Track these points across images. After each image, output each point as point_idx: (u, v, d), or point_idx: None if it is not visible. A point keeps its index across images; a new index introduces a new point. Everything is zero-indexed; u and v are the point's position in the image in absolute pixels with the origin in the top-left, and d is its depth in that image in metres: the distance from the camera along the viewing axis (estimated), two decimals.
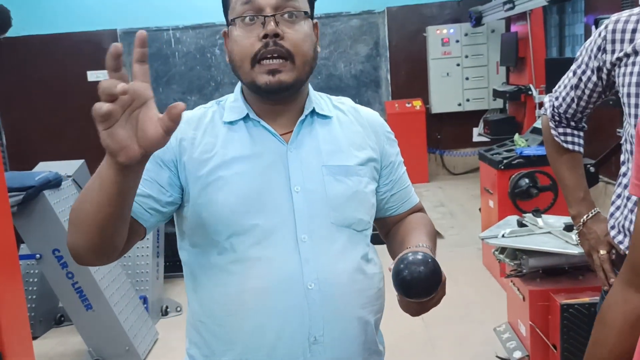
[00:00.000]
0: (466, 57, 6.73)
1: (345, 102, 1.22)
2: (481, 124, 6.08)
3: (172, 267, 4.17)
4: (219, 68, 7.05)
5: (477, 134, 6.44)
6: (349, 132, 1.16)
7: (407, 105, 6.77)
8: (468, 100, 6.81)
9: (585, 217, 1.51)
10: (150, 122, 0.79)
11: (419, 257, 0.96)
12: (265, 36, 1.02)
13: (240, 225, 1.05)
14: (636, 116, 1.29)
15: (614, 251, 1.42)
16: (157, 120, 0.80)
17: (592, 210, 1.51)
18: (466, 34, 6.67)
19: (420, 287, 0.95)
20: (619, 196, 1.39)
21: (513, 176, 3.44)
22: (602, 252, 1.43)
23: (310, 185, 1.08)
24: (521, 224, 2.62)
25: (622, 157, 1.40)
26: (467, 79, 6.76)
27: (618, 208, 1.38)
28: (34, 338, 3.50)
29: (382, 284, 1.16)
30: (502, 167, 3.69)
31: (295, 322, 1.05)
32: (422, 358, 2.97)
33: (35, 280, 3.51)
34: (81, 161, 3.68)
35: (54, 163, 3.57)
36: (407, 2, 6.90)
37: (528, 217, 2.69)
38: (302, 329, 1.05)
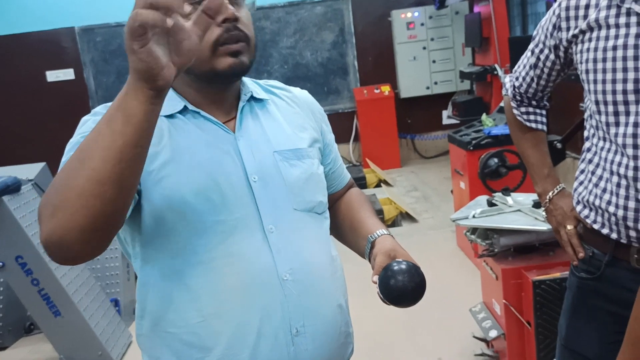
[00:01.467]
0: (432, 40, 6.73)
1: (275, 84, 1.19)
2: (450, 107, 6.10)
3: None
4: None
5: (447, 116, 6.46)
6: (289, 114, 1.13)
7: (375, 91, 6.75)
8: (436, 83, 6.82)
9: (550, 193, 1.50)
10: (181, 31, 0.74)
11: (404, 267, 0.99)
12: (225, 20, 0.98)
13: (202, 222, 0.99)
14: (595, 92, 1.27)
15: (581, 225, 1.41)
16: (190, 26, 0.74)
17: (558, 187, 1.50)
18: (431, 17, 6.67)
19: (410, 297, 0.98)
20: (582, 172, 1.38)
21: (482, 156, 3.45)
22: (569, 227, 1.42)
23: (267, 173, 1.04)
24: (491, 204, 2.62)
25: (585, 133, 1.39)
26: (434, 62, 6.77)
27: (581, 183, 1.37)
28: (4, 348, 3.41)
29: (342, 265, 1.15)
30: (471, 148, 3.70)
31: (276, 317, 1.01)
32: (403, 342, 2.97)
33: (1, 289, 3.41)
34: (42, 164, 3.56)
35: (13, 167, 3.46)
36: None
37: (498, 197, 2.69)
38: (284, 323, 1.02)
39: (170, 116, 1.04)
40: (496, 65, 5.02)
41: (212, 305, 1.00)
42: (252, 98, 1.10)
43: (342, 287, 1.13)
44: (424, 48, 6.75)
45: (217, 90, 1.05)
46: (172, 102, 1.04)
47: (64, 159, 0.94)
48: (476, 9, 5.50)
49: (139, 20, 0.70)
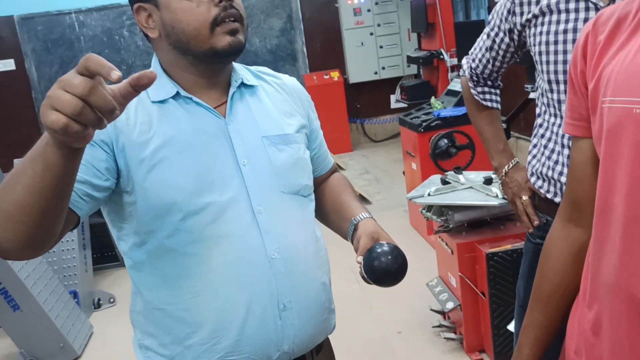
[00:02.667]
0: (378, 25, 6.84)
1: (265, 70, 1.23)
2: (398, 91, 6.24)
3: (101, 258, 4.04)
4: (129, 50, 6.78)
5: (395, 100, 6.60)
6: (277, 100, 1.18)
7: (325, 77, 6.82)
8: (384, 68, 6.94)
9: (506, 167, 1.61)
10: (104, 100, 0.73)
11: (387, 249, 1.06)
12: (221, 0, 1.02)
13: (194, 204, 1.03)
14: (548, 72, 1.38)
15: (535, 196, 1.53)
16: (115, 94, 0.73)
17: (512, 161, 1.62)
18: (377, 3, 6.77)
19: (393, 277, 1.05)
20: (535, 145, 1.49)
21: (433, 138, 3.58)
22: (525, 197, 1.54)
23: (255, 157, 1.09)
24: (444, 182, 2.74)
25: (537, 110, 1.50)
26: (381, 47, 6.88)
27: (534, 156, 1.48)
28: None
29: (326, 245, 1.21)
30: (422, 130, 3.82)
31: (264, 293, 1.06)
32: (361, 318, 3.07)
33: None
34: None
35: None
36: None
37: (450, 175, 2.82)
38: (272, 299, 1.07)
39: (162, 101, 1.07)
40: (442, 50, 5.18)
41: (203, 282, 1.05)
42: (243, 84, 1.14)
43: (326, 266, 1.19)
44: (371, 34, 6.85)
45: (214, 72, 1.09)
46: (165, 87, 1.08)
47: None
48: None
49: (60, 125, 0.68)
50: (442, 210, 2.63)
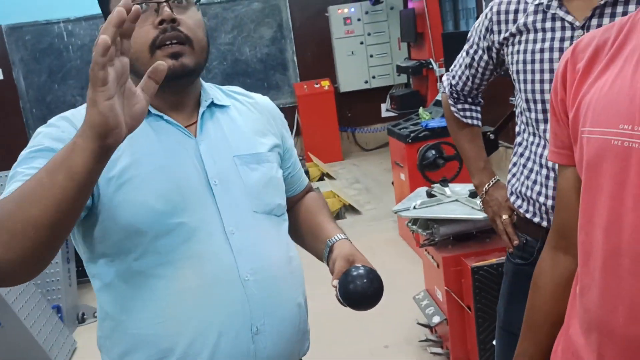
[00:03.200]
0: (369, 35, 6.85)
1: (237, 90, 1.22)
2: (388, 100, 6.24)
3: (85, 272, 3.99)
4: None
5: (385, 109, 6.61)
6: (249, 120, 1.16)
7: (315, 85, 6.81)
8: (374, 77, 6.95)
9: (486, 185, 1.60)
10: (134, 96, 0.78)
11: (363, 272, 1.04)
12: (162, 22, 1.00)
13: (164, 225, 1.00)
14: (525, 91, 1.36)
15: (515, 215, 1.51)
16: (139, 92, 0.78)
17: (493, 179, 1.60)
18: (367, 12, 6.78)
19: (369, 301, 1.04)
20: (514, 164, 1.47)
21: (420, 148, 3.57)
22: (505, 216, 1.52)
23: (227, 177, 1.07)
24: (430, 195, 2.73)
25: (517, 128, 1.48)
26: (371, 56, 6.89)
27: (514, 175, 1.47)
28: None
29: (301, 265, 1.19)
30: (410, 141, 3.81)
31: (238, 316, 1.04)
32: (349, 332, 3.04)
33: None
34: None
35: None
36: None
37: (436, 187, 2.80)
38: (245, 322, 1.04)
39: None
40: (431, 60, 5.18)
41: (174, 306, 1.02)
42: (213, 104, 1.12)
43: (301, 286, 1.17)
44: (362, 43, 6.86)
45: (174, 93, 1.07)
46: None
47: (11, 173, 0.95)
48: (410, 5, 5.65)
49: (100, 46, 0.72)
50: (427, 223, 2.61)
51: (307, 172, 6.14)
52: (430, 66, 5.18)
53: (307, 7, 6.94)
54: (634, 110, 0.74)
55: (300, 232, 1.26)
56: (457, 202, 2.62)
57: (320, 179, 6.16)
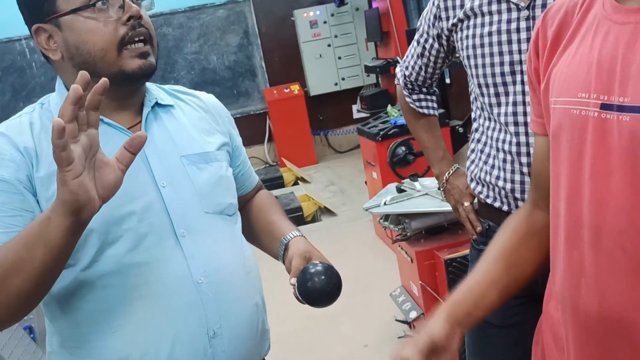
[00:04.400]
0: (335, 37, 6.85)
1: (181, 89, 1.19)
2: (358, 101, 6.25)
3: None
4: None
5: (357, 110, 6.61)
6: (195, 119, 1.13)
7: (285, 90, 6.80)
8: (343, 79, 6.96)
9: (447, 174, 1.59)
10: (106, 166, 0.77)
11: (320, 268, 1.03)
12: (129, 18, 0.97)
13: (112, 233, 0.97)
14: (477, 76, 1.36)
15: (476, 201, 1.51)
16: (114, 162, 0.78)
17: (452, 167, 1.60)
18: (332, 15, 6.79)
19: (327, 298, 1.03)
20: (472, 151, 1.47)
21: (390, 146, 3.57)
22: (466, 204, 1.51)
23: (176, 178, 1.04)
24: (400, 190, 2.72)
25: (472, 115, 1.48)
26: (339, 58, 6.90)
27: (473, 162, 1.46)
28: None
29: (257, 265, 1.17)
30: (380, 139, 3.82)
31: (192, 321, 1.01)
32: (328, 334, 3.02)
33: None
34: None
35: None
36: None
37: (406, 183, 2.80)
38: (200, 326, 1.01)
39: None
40: (398, 58, 5.20)
41: (125, 315, 0.99)
42: (157, 104, 1.09)
43: (258, 286, 1.15)
44: (329, 45, 6.86)
45: (125, 94, 1.04)
46: None
47: None
48: (374, 5, 5.67)
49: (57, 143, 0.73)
50: (399, 218, 2.61)
51: (281, 178, 6.13)
52: (398, 64, 5.20)
53: (273, 12, 6.93)
54: (591, 78, 0.73)
55: (254, 231, 1.23)
56: (427, 196, 2.62)
57: (295, 183, 6.14)
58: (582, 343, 0.77)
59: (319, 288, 1.02)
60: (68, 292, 0.99)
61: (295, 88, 6.80)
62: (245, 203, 1.27)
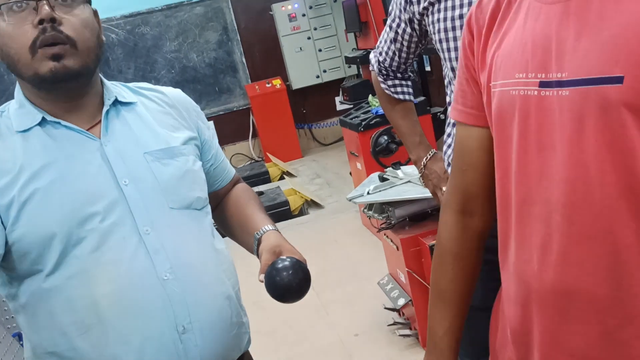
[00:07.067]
0: (315, 29, 6.84)
1: (145, 85, 1.18)
2: (341, 92, 6.24)
3: None
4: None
5: (339, 102, 6.60)
6: (159, 114, 1.13)
7: (267, 85, 6.77)
8: (325, 71, 6.95)
9: (424, 159, 1.60)
10: None
11: (288, 263, 1.03)
12: (41, 22, 0.94)
13: (74, 234, 0.97)
14: (450, 60, 1.37)
15: None
16: None
17: (430, 152, 1.60)
18: (311, 7, 6.76)
19: (295, 293, 1.03)
20: (449, 135, 1.48)
21: (373, 135, 3.58)
22: (444, 188, 1.52)
23: (138, 175, 1.03)
24: (383, 179, 2.73)
25: (447, 99, 1.49)
26: (320, 50, 6.89)
27: (449, 146, 1.47)
28: None
29: (231, 257, 1.16)
30: (362, 129, 3.82)
31: (160, 318, 1.01)
32: (317, 325, 3.03)
33: None
34: None
35: None
36: None
37: (389, 171, 2.81)
38: (169, 323, 1.01)
39: (27, 130, 1.00)
40: None
41: (91, 316, 0.98)
42: (118, 102, 1.08)
43: (231, 279, 1.14)
44: (309, 38, 6.84)
45: (70, 95, 1.03)
46: (29, 115, 1.01)
47: None
48: None
49: None
50: (383, 207, 2.62)
51: (266, 173, 6.12)
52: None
53: (251, 7, 6.89)
54: (527, 58, 0.75)
55: (230, 225, 1.23)
56: (409, 183, 2.63)
57: (281, 178, 6.13)
58: (541, 317, 0.78)
59: (287, 283, 1.02)
60: (35, 298, 0.99)
61: (277, 82, 6.78)
62: (222, 197, 1.27)
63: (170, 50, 6.80)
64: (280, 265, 1.03)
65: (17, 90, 1.05)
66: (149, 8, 6.65)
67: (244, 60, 6.99)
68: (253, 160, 7.00)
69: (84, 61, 0.99)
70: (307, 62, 6.87)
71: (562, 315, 0.75)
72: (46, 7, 0.95)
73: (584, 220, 0.70)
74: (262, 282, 1.04)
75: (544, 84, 0.73)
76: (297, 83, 6.93)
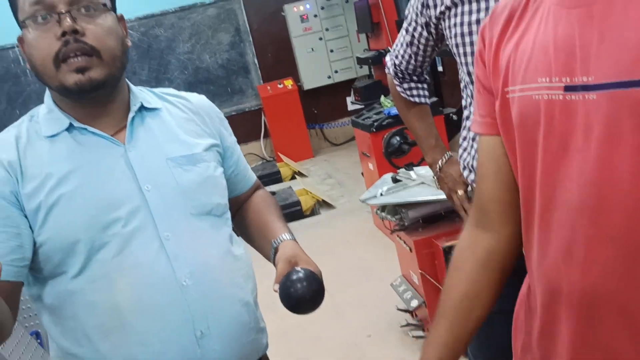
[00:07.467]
0: (327, 30, 6.85)
1: (170, 91, 1.20)
2: (352, 93, 6.25)
3: None
4: None
5: (351, 102, 6.61)
6: (183, 121, 1.14)
7: (279, 86, 6.79)
8: (337, 71, 6.96)
9: (440, 162, 1.60)
10: None
11: (302, 275, 1.03)
12: (64, 34, 0.96)
13: (98, 239, 0.99)
14: (466, 64, 1.37)
15: (470, 189, 1.52)
16: None
17: (445, 155, 1.61)
18: (322, 8, 6.78)
19: (308, 305, 1.03)
20: (464, 138, 1.49)
21: (385, 136, 3.58)
22: (460, 192, 1.53)
23: (160, 181, 1.05)
24: (396, 180, 2.74)
25: (463, 102, 1.49)
26: (331, 51, 6.90)
27: (465, 149, 1.48)
28: None
29: (251, 262, 1.18)
30: (374, 130, 3.83)
31: (178, 323, 1.02)
32: (330, 326, 3.04)
33: None
34: None
35: None
36: None
37: (402, 172, 2.81)
38: (187, 327, 1.03)
39: (55, 135, 1.03)
40: (389, 48, 5.19)
41: (113, 319, 1.00)
42: (143, 107, 1.10)
43: (249, 284, 1.15)
44: (320, 39, 6.86)
45: (94, 105, 1.05)
46: (57, 121, 1.04)
47: None
48: None
49: None
50: (396, 209, 2.62)
51: (278, 173, 6.14)
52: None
53: (263, 9, 6.92)
54: (549, 62, 0.75)
55: (250, 232, 1.25)
56: (422, 185, 2.63)
57: (292, 178, 6.15)
58: (569, 318, 0.79)
59: (299, 295, 1.02)
60: (59, 300, 1.02)
61: (289, 83, 6.80)
62: (242, 203, 1.28)
63: (184, 51, 6.84)
64: (294, 277, 1.03)
65: (47, 95, 1.07)
66: (162, 10, 6.69)
67: (256, 61, 7.02)
68: (265, 160, 7.02)
69: (109, 70, 1.01)
70: (318, 63, 6.88)
71: (591, 315, 0.75)
72: (68, 19, 0.96)
73: (610, 223, 0.71)
74: (276, 292, 1.05)
75: (569, 88, 0.72)
76: (308, 83, 6.94)
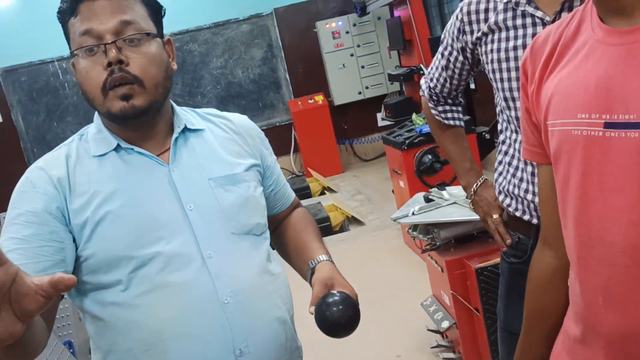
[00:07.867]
0: (358, 46, 6.89)
1: (212, 112, 1.23)
2: (383, 109, 6.26)
3: None
4: None
5: (381, 118, 6.62)
6: (225, 141, 1.17)
7: (309, 101, 6.85)
8: (367, 87, 6.98)
9: (474, 185, 1.59)
10: (26, 297, 0.70)
11: (338, 299, 1.04)
12: (110, 64, 1.01)
13: (141, 256, 1.02)
14: (503, 90, 1.37)
15: (505, 213, 1.51)
16: (34, 291, 0.70)
17: (480, 179, 1.60)
18: (354, 24, 6.83)
19: (344, 329, 1.04)
20: (500, 163, 1.48)
21: (416, 154, 3.57)
22: (495, 216, 1.51)
23: (202, 201, 1.08)
24: (428, 199, 2.72)
25: (499, 127, 1.49)
26: (362, 67, 6.93)
27: (501, 174, 1.47)
28: None
29: (287, 280, 1.19)
30: (405, 148, 3.82)
31: (219, 341, 1.04)
32: (358, 345, 3.02)
33: None
34: None
35: None
36: (293, 1, 6.98)
37: (434, 192, 2.80)
38: (227, 346, 1.04)
39: (103, 155, 1.07)
40: (421, 65, 5.20)
41: (154, 334, 1.03)
42: (187, 129, 1.13)
43: (286, 304, 1.17)
44: (352, 55, 6.90)
45: (138, 127, 1.08)
46: (106, 141, 1.08)
47: (3, 239, 1.00)
48: (396, 13, 5.69)
49: None
50: (428, 228, 2.61)
51: (307, 188, 6.16)
52: (421, 72, 5.21)
53: (295, 25, 7.00)
54: (590, 99, 0.75)
55: (288, 251, 1.26)
56: (455, 205, 2.61)
57: (322, 193, 6.17)
58: (607, 357, 0.78)
59: (335, 319, 1.02)
60: (106, 311, 1.05)
61: (320, 98, 6.85)
62: (280, 221, 1.30)
63: (217, 66, 6.96)
64: (330, 300, 1.04)
65: (96, 117, 1.12)
66: (197, 26, 6.83)
67: (287, 76, 7.09)
68: (294, 175, 7.06)
69: (152, 97, 1.05)
70: (349, 79, 6.92)
71: (630, 356, 0.75)
72: (113, 50, 1.01)
73: None
74: (312, 314, 1.06)
75: (609, 125, 0.73)
76: (339, 99, 6.98)
